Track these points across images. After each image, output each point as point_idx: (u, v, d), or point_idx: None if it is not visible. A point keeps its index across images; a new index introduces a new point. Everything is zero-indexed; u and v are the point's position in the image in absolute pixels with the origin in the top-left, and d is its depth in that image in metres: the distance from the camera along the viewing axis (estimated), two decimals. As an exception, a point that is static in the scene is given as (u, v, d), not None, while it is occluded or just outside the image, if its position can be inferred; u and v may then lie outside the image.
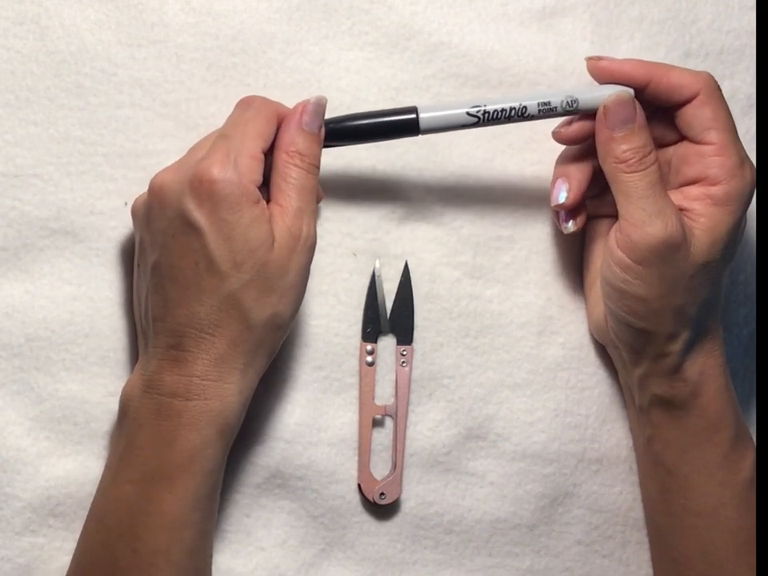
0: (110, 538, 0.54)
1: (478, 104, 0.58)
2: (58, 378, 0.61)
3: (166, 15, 0.62)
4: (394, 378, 0.64)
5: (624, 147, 0.57)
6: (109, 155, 0.61)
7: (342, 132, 0.58)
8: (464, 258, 0.65)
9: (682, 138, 0.59)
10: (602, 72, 0.59)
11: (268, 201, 0.56)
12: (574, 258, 0.66)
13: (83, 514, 0.57)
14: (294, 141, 0.56)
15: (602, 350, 0.66)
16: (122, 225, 0.61)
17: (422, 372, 0.64)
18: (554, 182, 0.62)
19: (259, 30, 0.63)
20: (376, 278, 0.64)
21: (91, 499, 0.57)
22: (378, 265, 0.64)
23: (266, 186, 0.57)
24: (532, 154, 0.64)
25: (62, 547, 0.60)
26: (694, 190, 0.58)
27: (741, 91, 0.68)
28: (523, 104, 0.58)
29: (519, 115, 0.58)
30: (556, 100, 0.58)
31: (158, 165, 0.61)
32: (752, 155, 0.67)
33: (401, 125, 0.58)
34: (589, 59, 0.59)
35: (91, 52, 0.61)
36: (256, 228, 0.54)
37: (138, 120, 0.61)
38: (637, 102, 0.58)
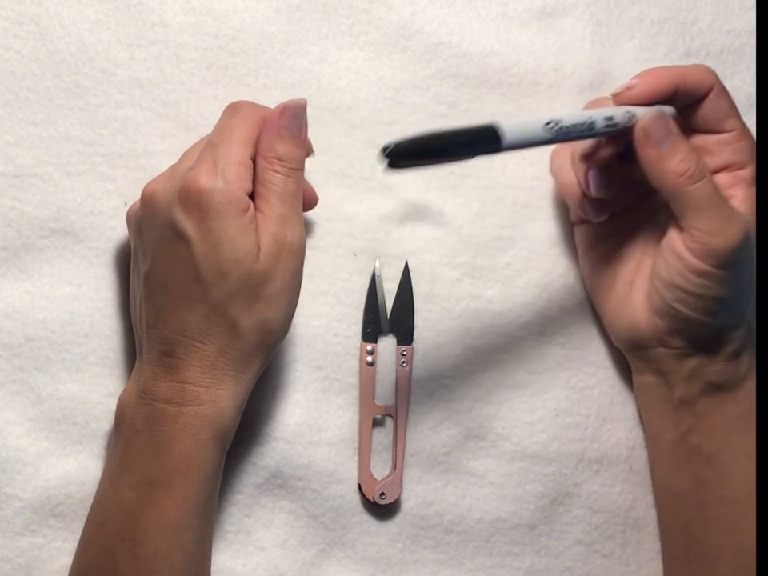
0: (110, 543, 0.54)
1: (553, 119, 0.55)
2: (58, 378, 0.61)
3: (166, 15, 0.62)
4: (394, 378, 0.64)
5: (677, 159, 0.56)
6: (109, 155, 0.61)
7: (428, 152, 0.52)
8: (464, 258, 0.65)
9: (684, 131, 0.59)
10: (638, 99, 0.58)
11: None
12: (574, 258, 0.66)
13: (83, 514, 0.57)
14: (273, 146, 0.56)
15: (601, 350, 0.66)
16: (121, 225, 0.61)
17: (422, 372, 0.64)
18: (584, 172, 0.61)
19: (259, 30, 0.63)
20: (376, 278, 0.64)
21: (91, 499, 0.57)
22: (377, 265, 0.64)
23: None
24: (532, 154, 0.64)
25: (62, 547, 0.60)
26: (724, 178, 0.58)
27: (741, 91, 0.68)
28: (592, 118, 0.56)
29: (589, 131, 0.56)
30: (619, 115, 0.57)
31: (157, 165, 0.61)
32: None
33: (484, 145, 0.53)
34: (617, 94, 0.58)
35: (91, 52, 0.61)
36: (243, 237, 0.53)
37: (138, 120, 0.61)
38: (668, 114, 0.57)
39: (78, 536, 0.57)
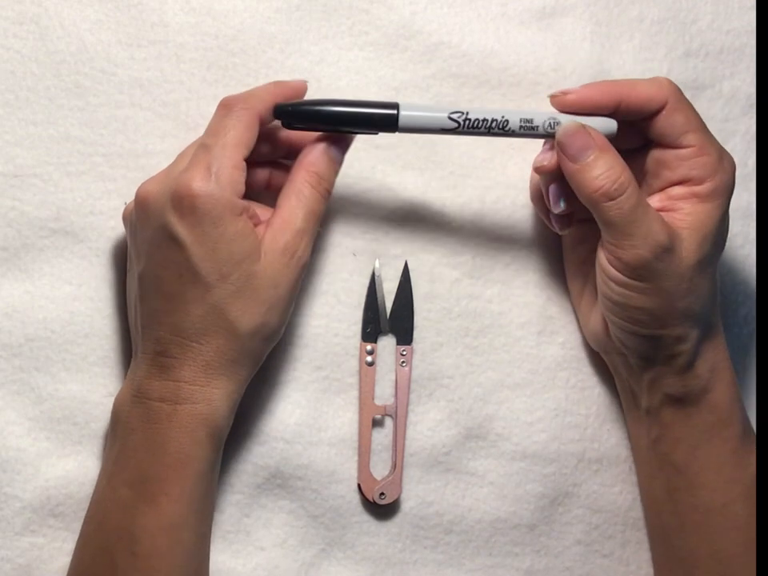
0: (108, 541, 0.54)
1: (460, 110, 0.57)
2: (58, 378, 0.61)
3: (166, 15, 0.62)
4: (394, 377, 0.64)
5: (592, 174, 0.55)
6: (109, 155, 0.61)
7: (317, 116, 0.56)
8: (464, 258, 0.65)
9: (648, 141, 0.59)
10: (571, 106, 0.57)
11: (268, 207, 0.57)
12: (574, 257, 0.66)
13: (83, 514, 0.57)
14: (317, 162, 0.56)
15: (601, 350, 0.66)
16: (121, 225, 0.61)
17: (422, 372, 0.64)
18: (546, 186, 0.61)
19: (259, 29, 0.63)
20: (376, 277, 0.64)
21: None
22: (377, 265, 0.64)
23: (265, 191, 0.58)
24: (532, 154, 0.64)
25: (62, 547, 0.60)
26: (678, 190, 0.58)
27: (741, 91, 0.68)
28: (505, 117, 0.57)
29: (500, 128, 0.57)
30: (539, 119, 0.57)
31: (157, 165, 0.61)
32: (752, 155, 0.68)
33: (379, 118, 0.56)
34: (553, 97, 0.58)
35: (91, 52, 0.61)
36: (240, 241, 0.54)
37: (138, 120, 0.61)
38: (591, 127, 0.57)
39: (78, 536, 0.57)
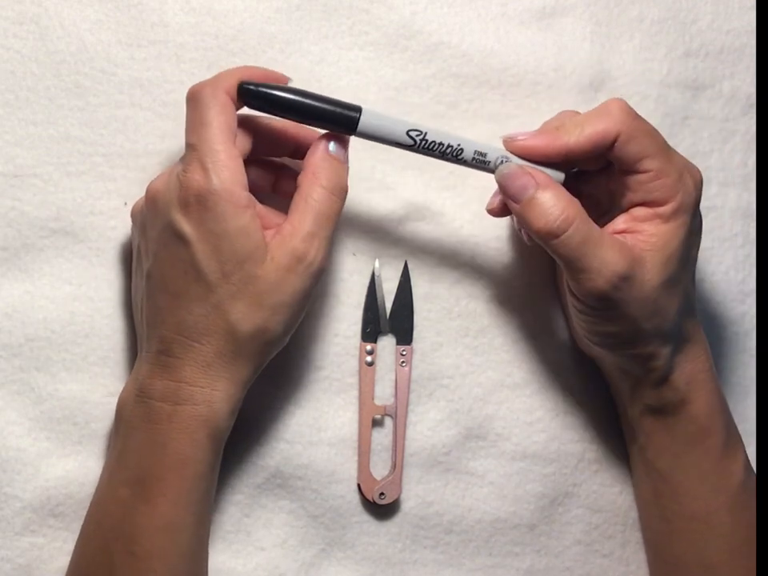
0: (106, 540, 0.54)
1: (419, 129, 0.56)
2: (58, 378, 0.61)
3: (166, 15, 0.62)
4: (394, 377, 0.64)
5: (533, 214, 0.55)
6: (109, 155, 0.61)
7: (277, 101, 0.55)
8: (464, 258, 0.65)
9: (610, 162, 0.58)
10: (519, 151, 0.57)
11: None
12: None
13: (83, 514, 0.57)
14: (321, 163, 0.55)
15: (601, 350, 0.66)
16: (121, 225, 0.61)
17: (422, 372, 0.64)
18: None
19: (259, 29, 0.63)
20: (376, 277, 0.64)
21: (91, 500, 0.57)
22: (377, 265, 0.64)
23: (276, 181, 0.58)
24: (532, 154, 0.64)
25: (62, 547, 0.60)
26: (641, 211, 0.57)
27: (741, 91, 0.68)
28: (461, 145, 0.56)
29: (453, 155, 0.56)
30: (492, 155, 0.57)
31: (157, 165, 0.61)
32: (752, 155, 0.67)
33: (338, 117, 0.55)
34: (504, 140, 0.57)
35: (91, 52, 0.61)
36: (243, 239, 0.53)
37: (138, 120, 0.61)
38: (531, 166, 0.56)
39: (78, 534, 0.57)
